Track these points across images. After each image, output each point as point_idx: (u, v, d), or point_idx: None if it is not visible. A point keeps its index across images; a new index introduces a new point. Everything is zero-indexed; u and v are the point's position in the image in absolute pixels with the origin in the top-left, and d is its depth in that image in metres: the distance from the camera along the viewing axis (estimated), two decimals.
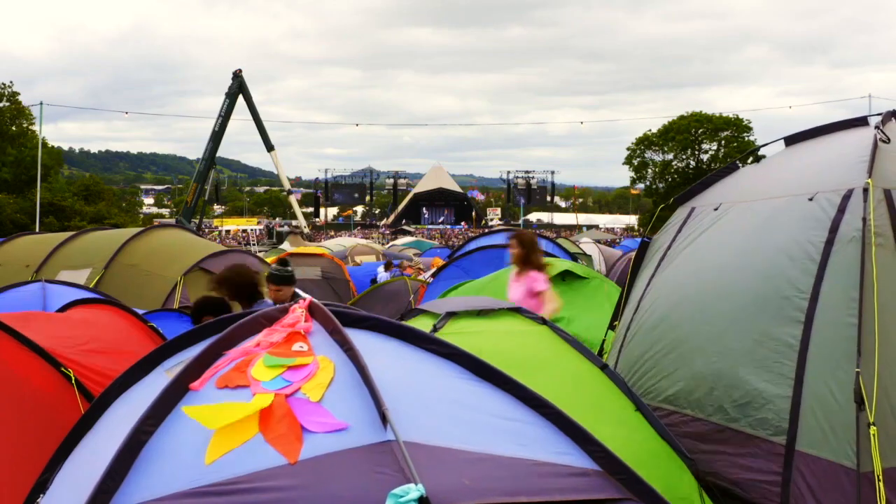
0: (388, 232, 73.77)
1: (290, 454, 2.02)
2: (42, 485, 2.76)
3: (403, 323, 3.05)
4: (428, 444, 2.10)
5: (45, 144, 42.30)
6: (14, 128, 42.97)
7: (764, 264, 4.55)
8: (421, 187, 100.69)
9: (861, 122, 5.22)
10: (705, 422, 4.58)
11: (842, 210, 4.22)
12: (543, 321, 4.62)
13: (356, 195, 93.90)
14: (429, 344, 2.73)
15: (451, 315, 4.48)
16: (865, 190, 4.14)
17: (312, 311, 2.79)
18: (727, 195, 5.54)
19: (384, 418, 2.10)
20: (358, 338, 2.56)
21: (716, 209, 5.40)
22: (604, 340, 6.70)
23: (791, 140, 5.73)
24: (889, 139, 4.57)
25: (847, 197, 4.25)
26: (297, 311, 2.74)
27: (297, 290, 6.13)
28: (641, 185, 60.46)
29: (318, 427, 2.15)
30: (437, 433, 2.17)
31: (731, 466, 4.37)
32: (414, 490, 1.83)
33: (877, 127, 4.74)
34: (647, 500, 2.22)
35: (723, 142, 55.91)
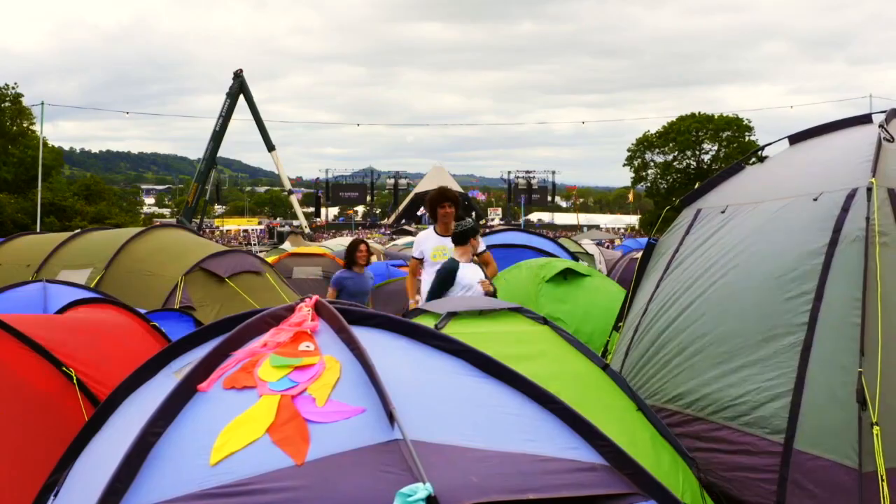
0: (388, 231, 73.83)
1: (297, 455, 2.02)
2: (51, 486, 2.76)
3: (410, 320, 3.04)
4: (435, 442, 2.10)
5: (45, 144, 42.31)
6: (15, 128, 42.98)
7: (770, 265, 4.55)
8: (422, 187, 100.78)
9: (865, 119, 5.21)
10: (707, 421, 4.58)
11: (845, 209, 4.22)
12: (545, 321, 4.63)
13: (357, 195, 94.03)
14: (435, 340, 2.73)
15: (453, 315, 4.48)
16: (869, 189, 4.13)
17: (319, 309, 2.79)
18: (733, 197, 5.53)
19: (391, 417, 2.10)
20: (364, 335, 2.56)
21: (723, 212, 5.40)
22: (608, 341, 6.70)
23: (795, 139, 5.73)
24: (893, 138, 4.56)
25: (851, 196, 4.24)
26: (304, 310, 2.73)
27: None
28: (641, 187, 60.51)
29: (334, 417, 2.15)
30: (444, 431, 2.17)
31: (729, 465, 4.37)
32: (422, 489, 1.82)
33: (881, 125, 4.74)
34: (655, 495, 2.22)
35: (724, 142, 55.94)
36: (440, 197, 7.19)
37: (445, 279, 6.41)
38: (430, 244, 7.10)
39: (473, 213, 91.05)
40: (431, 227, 7.27)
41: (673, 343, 5.07)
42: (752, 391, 4.32)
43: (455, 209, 7.12)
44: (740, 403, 4.37)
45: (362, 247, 8.75)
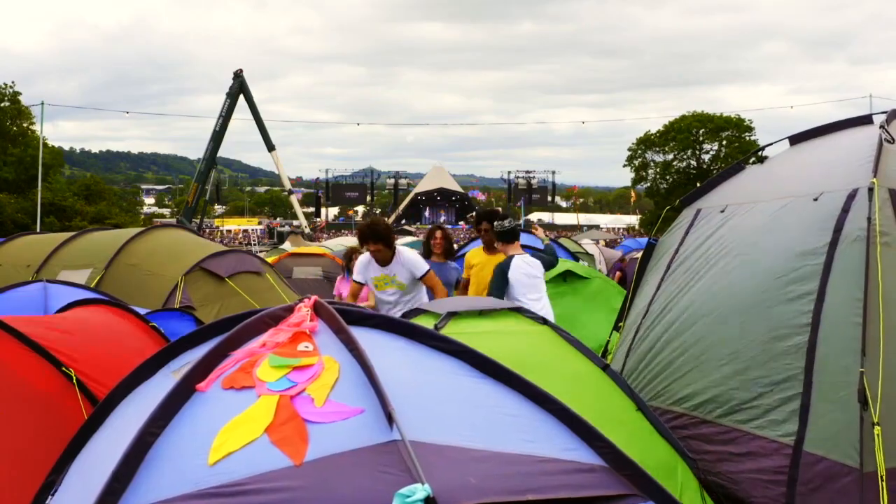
0: None
1: (296, 456, 2.01)
2: (49, 486, 2.76)
3: (409, 321, 3.04)
4: (434, 442, 2.09)
5: (45, 144, 42.32)
6: (15, 128, 42.99)
7: (771, 266, 4.55)
8: (422, 187, 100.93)
9: (865, 120, 5.22)
10: (716, 424, 4.57)
11: (846, 210, 4.22)
12: (544, 321, 4.63)
13: (357, 195, 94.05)
14: (434, 341, 2.73)
15: (452, 315, 4.48)
16: (870, 189, 4.14)
17: (318, 310, 2.79)
18: (733, 196, 5.53)
19: (390, 418, 2.10)
20: (363, 336, 2.56)
21: (722, 211, 5.40)
22: (608, 341, 6.71)
23: (795, 139, 5.73)
24: (894, 139, 4.57)
25: (851, 196, 4.25)
26: (303, 311, 2.73)
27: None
28: (641, 186, 60.44)
29: (333, 417, 2.15)
30: (443, 431, 2.16)
31: (738, 468, 4.37)
32: (420, 490, 1.82)
33: (881, 126, 4.74)
34: (653, 496, 2.22)
35: (724, 142, 55.90)
36: (364, 237, 6.55)
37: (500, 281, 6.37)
38: (371, 273, 6.64)
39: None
40: (369, 254, 6.63)
41: (675, 343, 5.06)
42: (764, 394, 4.30)
43: (384, 247, 6.48)
44: (750, 406, 4.36)
45: (438, 234, 7.81)
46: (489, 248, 7.01)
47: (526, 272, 6.38)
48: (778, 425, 4.19)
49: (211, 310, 9.75)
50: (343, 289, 8.95)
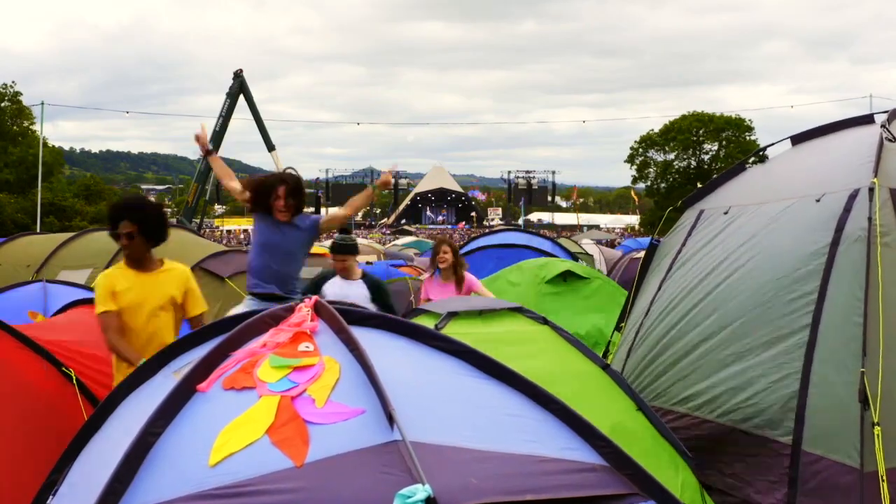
0: (388, 231, 73.89)
1: (297, 457, 2.01)
2: (50, 486, 2.75)
3: (410, 320, 3.04)
4: (435, 443, 2.09)
5: (45, 144, 42.32)
6: (15, 127, 43.01)
7: (773, 266, 4.56)
8: (422, 187, 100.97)
9: (867, 120, 5.22)
10: (716, 424, 4.57)
11: (847, 210, 4.23)
12: (545, 321, 4.63)
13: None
14: (435, 341, 2.72)
15: (453, 315, 4.49)
16: (871, 189, 4.14)
17: (318, 310, 2.79)
18: (736, 198, 5.54)
19: (391, 418, 2.10)
20: (364, 336, 2.56)
21: (725, 213, 5.40)
22: (609, 341, 6.70)
23: (797, 139, 5.74)
24: (895, 138, 4.57)
25: (853, 197, 4.25)
26: (303, 311, 2.73)
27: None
28: (642, 185, 60.45)
29: (334, 418, 2.15)
30: (444, 432, 2.16)
31: (741, 468, 4.37)
32: (421, 490, 1.82)
33: (882, 126, 4.75)
34: (654, 495, 2.22)
35: (724, 142, 55.92)
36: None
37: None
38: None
39: (474, 214, 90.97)
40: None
41: (678, 345, 5.07)
42: (761, 393, 4.32)
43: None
44: (749, 406, 4.37)
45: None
46: (139, 264, 4.66)
47: None
48: (777, 425, 4.20)
49: (211, 310, 9.74)
50: (431, 292, 6.99)
